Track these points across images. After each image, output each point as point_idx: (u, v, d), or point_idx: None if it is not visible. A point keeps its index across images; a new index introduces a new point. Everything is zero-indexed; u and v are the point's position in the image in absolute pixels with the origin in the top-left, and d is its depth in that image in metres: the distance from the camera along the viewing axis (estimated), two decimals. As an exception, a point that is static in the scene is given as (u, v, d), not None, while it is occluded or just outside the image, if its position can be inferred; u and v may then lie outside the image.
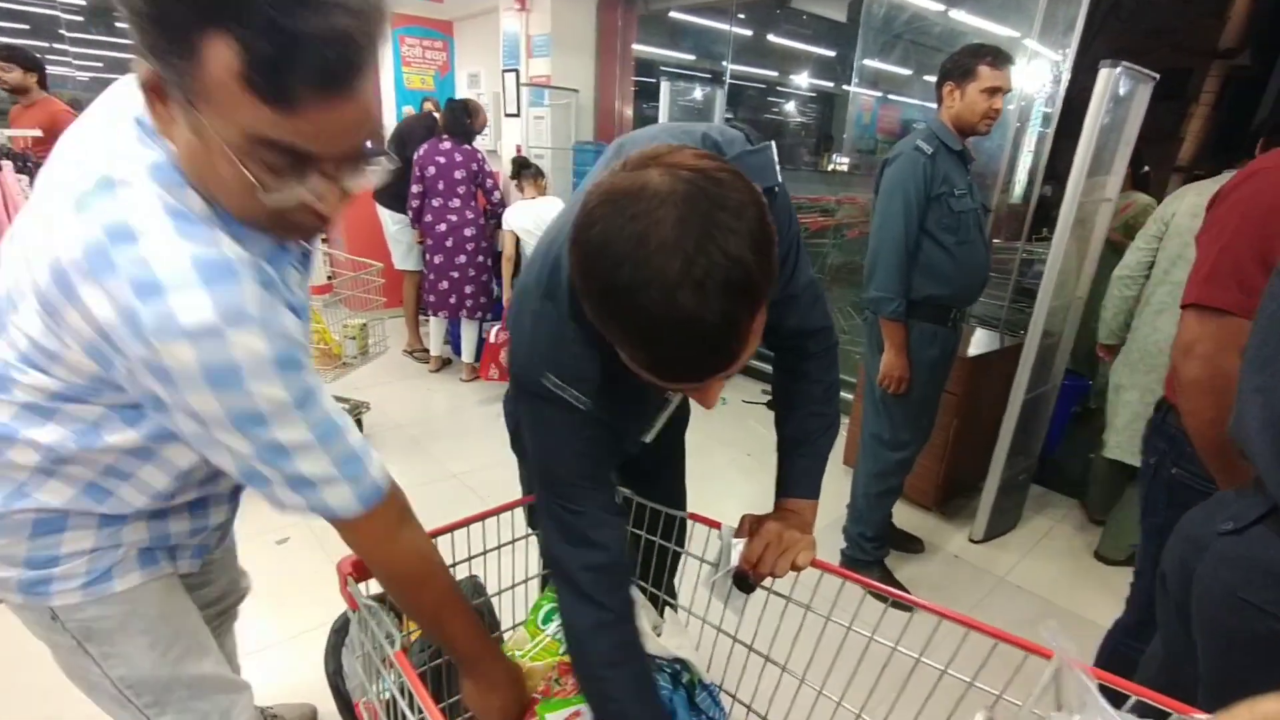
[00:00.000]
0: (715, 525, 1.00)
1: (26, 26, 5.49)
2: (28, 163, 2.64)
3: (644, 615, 0.99)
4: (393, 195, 3.83)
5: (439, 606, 0.86)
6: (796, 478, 1.00)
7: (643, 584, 1.11)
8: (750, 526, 0.94)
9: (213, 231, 0.62)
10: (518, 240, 3.52)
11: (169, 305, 0.58)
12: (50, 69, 5.65)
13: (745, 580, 0.92)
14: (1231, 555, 0.80)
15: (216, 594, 1.17)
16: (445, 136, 3.56)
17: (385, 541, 0.80)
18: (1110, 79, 2.01)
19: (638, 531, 1.09)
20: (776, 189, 0.80)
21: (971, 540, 2.55)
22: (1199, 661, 0.86)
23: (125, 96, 0.67)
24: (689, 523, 1.09)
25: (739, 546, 0.91)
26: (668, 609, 1.16)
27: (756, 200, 0.59)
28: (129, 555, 0.84)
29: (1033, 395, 2.38)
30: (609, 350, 0.67)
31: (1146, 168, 3.19)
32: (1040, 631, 0.71)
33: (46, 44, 5.54)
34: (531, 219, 3.46)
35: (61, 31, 5.55)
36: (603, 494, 0.86)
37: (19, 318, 0.66)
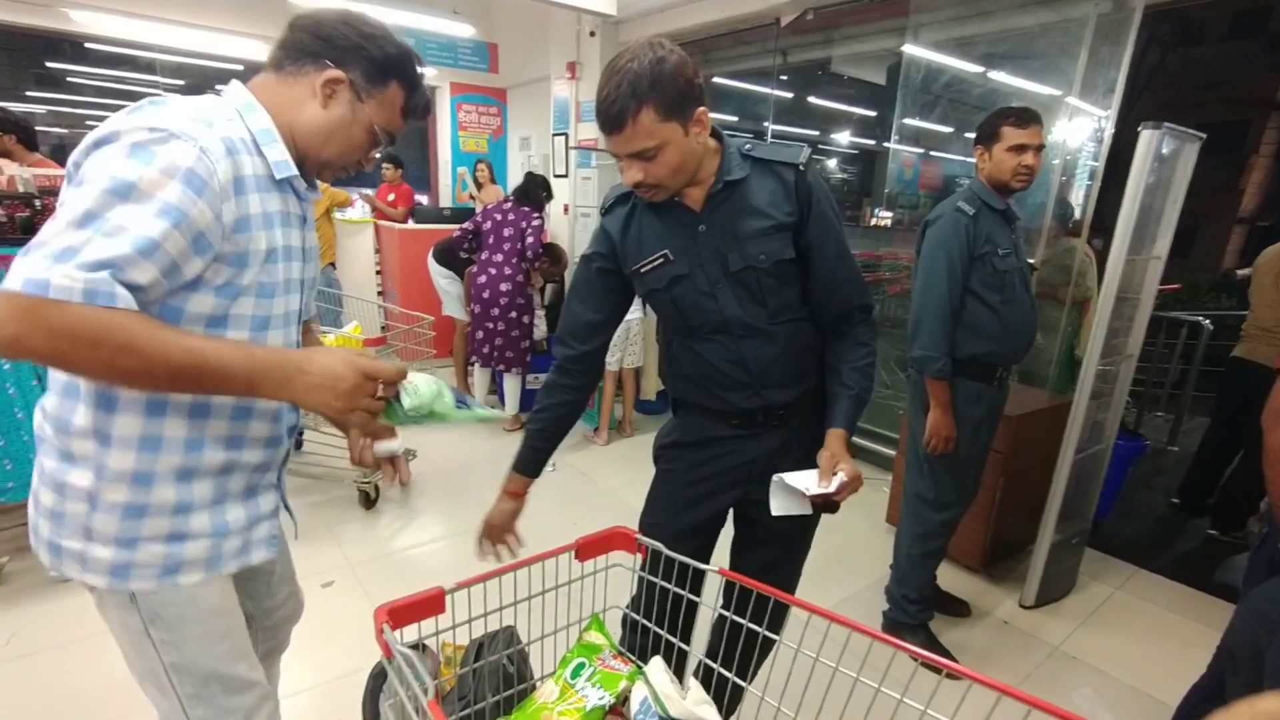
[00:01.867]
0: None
1: (130, 104, 6.08)
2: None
3: (666, 678, 0.99)
4: (444, 250, 4.17)
5: (134, 348, 0.72)
6: (841, 414, 1.24)
7: (712, 664, 1.07)
8: (817, 456, 1.18)
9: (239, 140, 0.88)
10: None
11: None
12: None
13: (833, 505, 1.13)
14: None
15: (279, 603, 1.25)
16: (512, 199, 3.81)
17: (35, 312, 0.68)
18: (1152, 140, 2.01)
19: (728, 614, 1.04)
20: (802, 167, 1.18)
21: (1022, 605, 2.43)
22: None
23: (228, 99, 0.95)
24: (789, 610, 1.12)
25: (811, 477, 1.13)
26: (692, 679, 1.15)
27: (683, 63, 1.07)
28: (196, 553, 0.95)
29: (1083, 455, 2.30)
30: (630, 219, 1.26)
31: (1075, 218, 3.21)
32: (1073, 698, 0.69)
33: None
34: None
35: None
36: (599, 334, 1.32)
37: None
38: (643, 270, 1.25)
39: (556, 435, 1.36)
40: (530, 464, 1.35)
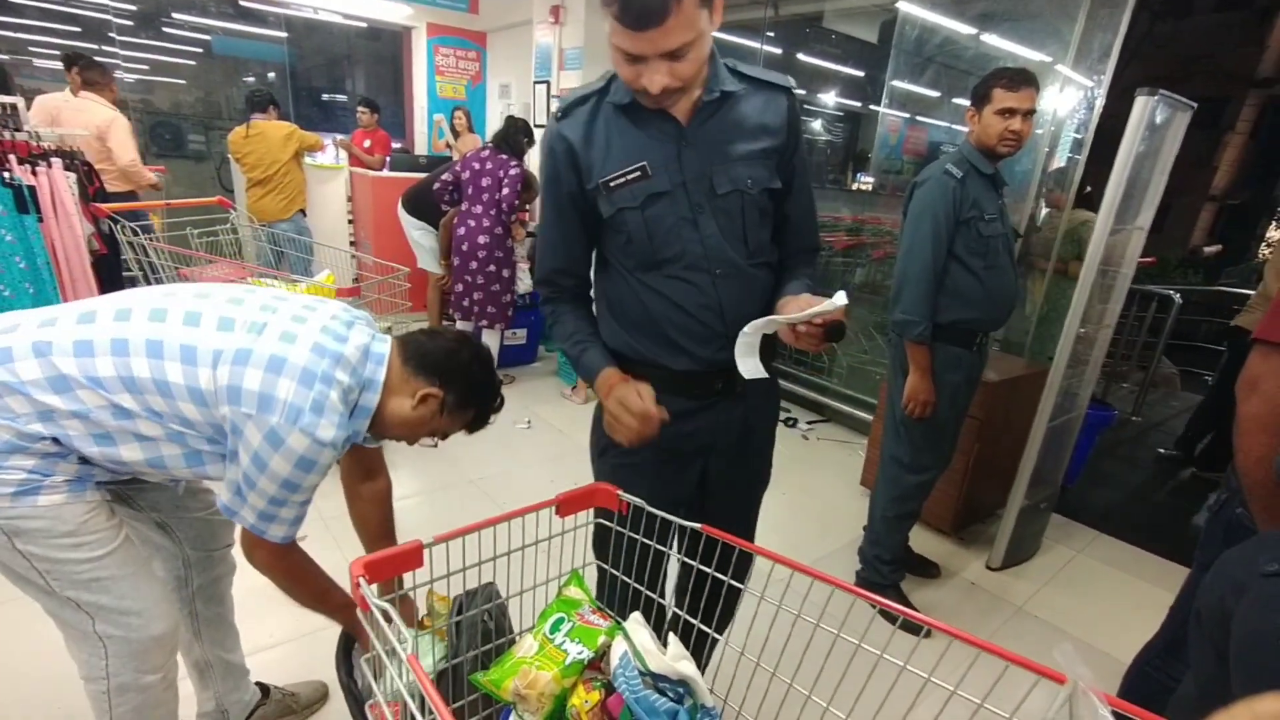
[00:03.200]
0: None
1: (79, 29, 5.69)
2: (75, 160, 2.73)
3: (646, 633, 0.99)
4: (415, 198, 3.96)
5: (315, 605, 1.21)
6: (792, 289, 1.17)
7: (689, 618, 1.06)
8: (780, 306, 1.09)
9: None
10: None
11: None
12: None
13: (840, 328, 0.98)
14: (1277, 597, 0.78)
15: (186, 553, 1.35)
16: (490, 146, 3.64)
17: (275, 562, 1.12)
18: (1147, 107, 1.99)
19: (692, 563, 1.03)
20: (792, 88, 1.12)
21: (989, 567, 2.51)
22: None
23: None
24: (754, 559, 1.04)
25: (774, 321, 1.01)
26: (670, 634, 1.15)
27: None
28: (57, 483, 1.03)
29: (1056, 423, 2.34)
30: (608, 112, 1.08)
31: (1089, 188, 3.20)
32: (1054, 655, 0.69)
33: (96, 46, 5.74)
34: None
35: (112, 35, 5.75)
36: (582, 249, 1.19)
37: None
38: (613, 183, 1.08)
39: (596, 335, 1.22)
40: (604, 357, 1.18)
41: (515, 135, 3.66)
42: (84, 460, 1.05)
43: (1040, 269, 3.23)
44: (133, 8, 5.82)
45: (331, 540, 2.32)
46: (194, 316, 1.05)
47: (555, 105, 1.07)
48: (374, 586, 0.88)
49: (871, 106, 5.82)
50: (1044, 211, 3.25)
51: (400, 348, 1.17)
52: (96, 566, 1.08)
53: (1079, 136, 2.98)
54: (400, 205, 4.07)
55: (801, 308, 1.00)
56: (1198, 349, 5.54)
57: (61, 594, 1.08)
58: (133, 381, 1.01)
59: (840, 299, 0.94)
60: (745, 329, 1.03)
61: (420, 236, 4.07)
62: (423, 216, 3.98)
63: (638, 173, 1.07)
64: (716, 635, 1.05)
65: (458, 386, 1.17)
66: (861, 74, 6.50)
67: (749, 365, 1.06)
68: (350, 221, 5.18)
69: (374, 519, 1.43)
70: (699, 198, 1.08)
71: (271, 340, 1.03)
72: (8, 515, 1.00)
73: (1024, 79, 1.81)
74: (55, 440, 1.01)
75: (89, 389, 1.00)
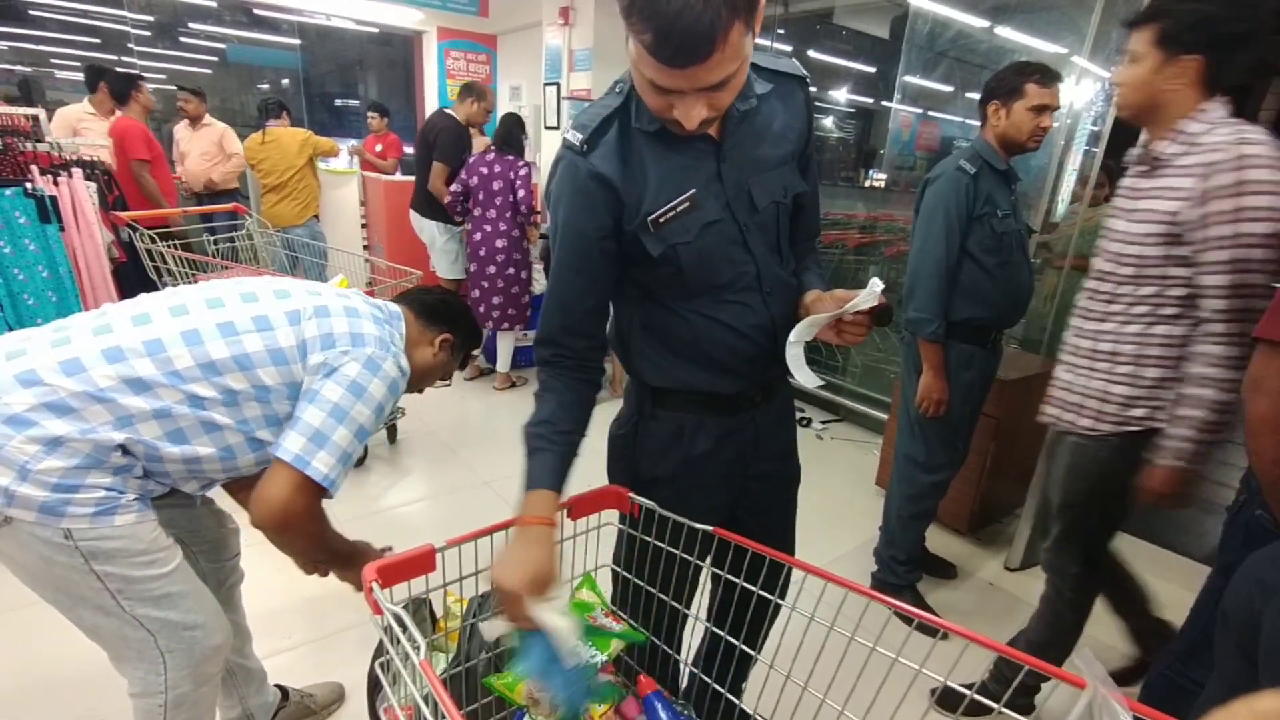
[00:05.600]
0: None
1: (98, 41, 5.80)
2: (94, 170, 2.78)
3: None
4: (436, 207, 3.85)
5: (312, 552, 1.25)
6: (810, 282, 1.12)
7: (716, 630, 1.03)
8: (811, 306, 1.03)
9: None
10: None
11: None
12: (118, 80, 5.93)
13: (889, 312, 0.97)
14: None
15: (202, 566, 1.36)
16: (494, 149, 3.63)
17: (315, 510, 1.12)
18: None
19: (730, 578, 0.98)
20: (807, 78, 1.05)
21: (1007, 568, 2.48)
22: None
23: None
24: (792, 573, 0.98)
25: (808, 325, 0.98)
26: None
27: None
28: (130, 501, 1.05)
29: (1075, 421, 2.31)
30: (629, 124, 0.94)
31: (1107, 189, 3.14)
32: (1074, 658, 0.68)
33: (116, 57, 5.84)
34: None
35: (130, 46, 5.84)
36: (599, 315, 1.04)
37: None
38: (661, 219, 0.95)
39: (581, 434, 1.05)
40: (554, 475, 0.97)
41: (516, 133, 3.64)
42: (146, 474, 1.08)
43: (1057, 265, 3.18)
44: (150, 19, 5.92)
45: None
46: (250, 295, 1.15)
47: (571, 133, 0.94)
48: (387, 591, 0.89)
49: (883, 103, 5.78)
50: (1062, 206, 3.20)
51: (409, 306, 1.36)
52: (166, 582, 1.10)
53: (1096, 129, 2.94)
54: (412, 210, 4.00)
55: (837, 302, 0.96)
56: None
57: (130, 613, 1.08)
58: (211, 366, 1.06)
59: (877, 285, 0.91)
60: (790, 339, 0.98)
61: (446, 243, 3.94)
62: (439, 216, 3.88)
63: (687, 203, 0.96)
64: (750, 651, 1.01)
65: (463, 328, 1.42)
66: (873, 70, 6.45)
67: (806, 375, 1.01)
68: (364, 226, 5.22)
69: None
70: (743, 215, 1.00)
71: (336, 300, 1.19)
72: (89, 537, 1.00)
73: (1055, 76, 1.82)
74: (124, 450, 1.02)
75: (168, 385, 1.03)
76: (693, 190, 0.95)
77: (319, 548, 1.22)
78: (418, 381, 1.38)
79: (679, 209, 0.95)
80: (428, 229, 3.99)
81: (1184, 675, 1.30)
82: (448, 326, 1.40)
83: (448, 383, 1.64)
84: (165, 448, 1.05)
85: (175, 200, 4.26)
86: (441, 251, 4.03)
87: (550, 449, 0.97)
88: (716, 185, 0.98)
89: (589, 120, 0.95)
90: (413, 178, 4.14)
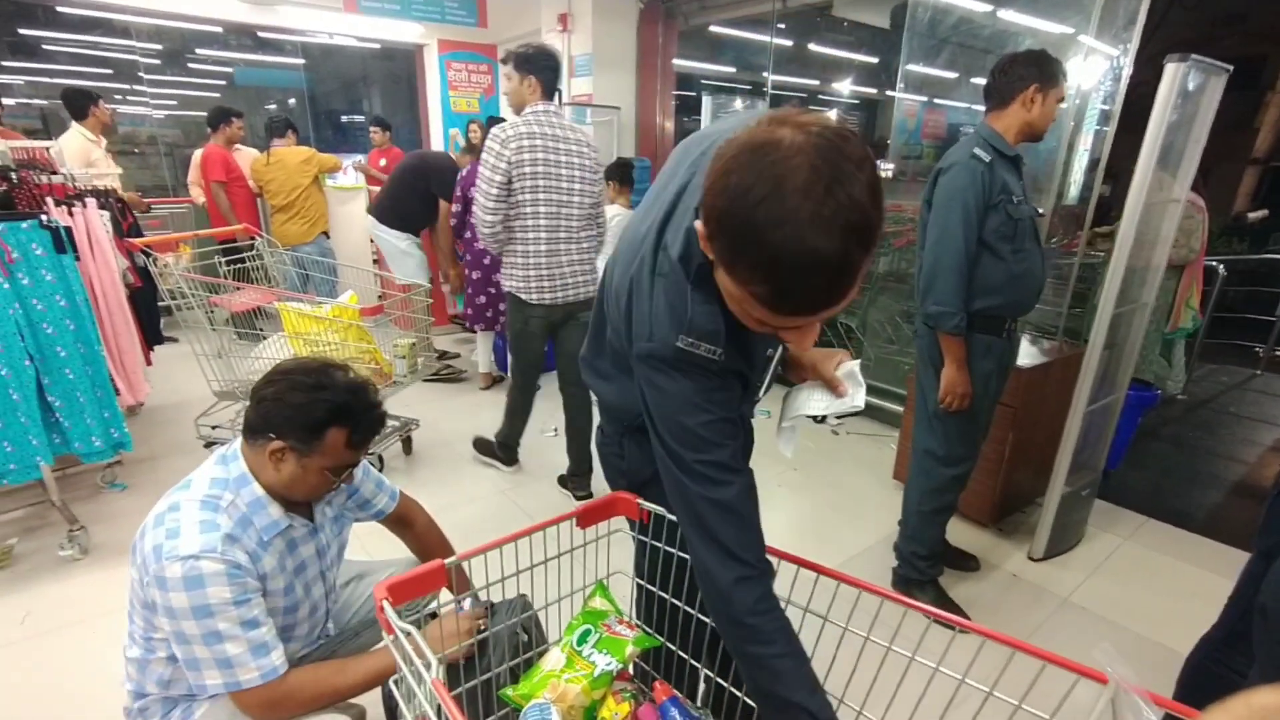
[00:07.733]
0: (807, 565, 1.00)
1: (110, 71, 5.91)
2: (108, 199, 2.83)
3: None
4: (397, 216, 3.85)
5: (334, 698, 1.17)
6: None
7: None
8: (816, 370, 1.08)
9: (228, 514, 1.11)
10: None
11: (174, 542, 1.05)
12: (129, 109, 6.05)
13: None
14: None
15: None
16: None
17: (280, 702, 1.11)
18: (1177, 73, 1.90)
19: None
20: None
21: (1031, 558, 2.43)
22: None
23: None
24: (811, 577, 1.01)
25: (813, 392, 1.08)
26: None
27: (872, 156, 0.67)
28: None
29: (1095, 407, 2.27)
30: (724, 307, 0.79)
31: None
32: (1094, 654, 0.66)
33: (127, 86, 5.95)
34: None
35: (140, 74, 5.95)
36: (739, 459, 0.90)
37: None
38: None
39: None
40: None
41: None
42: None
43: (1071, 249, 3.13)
44: (159, 47, 6.03)
45: (364, 554, 2.35)
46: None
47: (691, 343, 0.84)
48: (396, 610, 0.89)
49: (887, 92, 5.72)
50: (1074, 189, 3.15)
51: (244, 426, 1.16)
52: None
53: (1106, 108, 2.88)
54: (375, 219, 3.90)
55: (816, 367, 1.07)
56: (1246, 321, 5.29)
57: None
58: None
59: (855, 370, 1.05)
60: (787, 418, 1.10)
61: (408, 247, 3.93)
62: (405, 226, 3.87)
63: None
64: None
65: (288, 423, 1.10)
66: (875, 60, 6.41)
67: (793, 450, 1.13)
68: (372, 241, 5.27)
69: (429, 554, 1.61)
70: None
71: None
72: None
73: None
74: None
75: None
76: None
77: (325, 700, 1.17)
78: (294, 498, 1.18)
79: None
80: (388, 237, 3.95)
81: (1223, 665, 1.26)
82: (271, 432, 1.11)
83: (415, 424, 1.57)
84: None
85: (254, 216, 4.75)
86: (404, 255, 3.97)
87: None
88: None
89: (694, 327, 0.83)
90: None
